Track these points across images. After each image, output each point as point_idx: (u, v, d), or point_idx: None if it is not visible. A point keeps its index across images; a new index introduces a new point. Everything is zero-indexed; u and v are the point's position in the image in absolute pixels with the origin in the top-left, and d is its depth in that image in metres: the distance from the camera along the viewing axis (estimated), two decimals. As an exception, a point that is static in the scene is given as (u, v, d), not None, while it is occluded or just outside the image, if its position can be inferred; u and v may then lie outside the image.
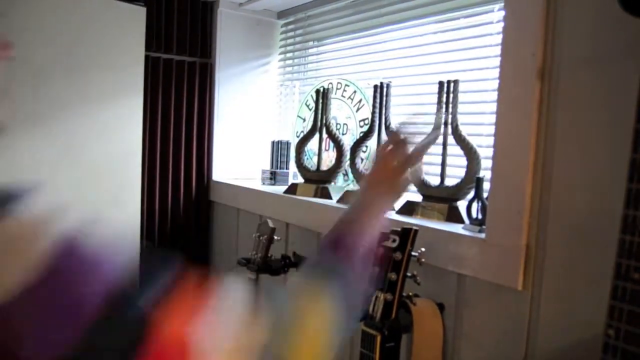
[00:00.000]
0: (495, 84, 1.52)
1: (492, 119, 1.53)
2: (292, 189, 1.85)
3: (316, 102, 1.83)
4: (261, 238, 1.65)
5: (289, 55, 2.36)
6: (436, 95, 1.46)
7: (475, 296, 1.24)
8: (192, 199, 2.26)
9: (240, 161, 2.34)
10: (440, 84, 1.46)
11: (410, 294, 1.19)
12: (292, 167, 2.11)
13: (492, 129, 1.52)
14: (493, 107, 1.53)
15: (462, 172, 1.50)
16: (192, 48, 2.21)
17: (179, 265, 0.53)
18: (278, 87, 2.38)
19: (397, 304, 1.17)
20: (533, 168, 1.11)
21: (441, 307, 1.30)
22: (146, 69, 2.08)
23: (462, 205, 1.42)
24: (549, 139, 1.10)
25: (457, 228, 1.31)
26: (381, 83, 1.61)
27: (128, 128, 2.06)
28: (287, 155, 2.15)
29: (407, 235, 1.19)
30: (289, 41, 2.35)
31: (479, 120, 1.56)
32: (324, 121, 1.81)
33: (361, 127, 1.82)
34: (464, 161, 1.47)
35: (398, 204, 1.56)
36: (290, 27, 2.34)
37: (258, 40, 2.34)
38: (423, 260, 1.19)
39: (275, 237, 1.64)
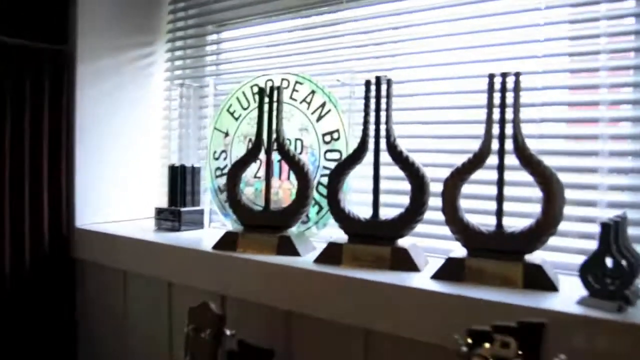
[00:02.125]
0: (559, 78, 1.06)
1: (562, 128, 1.09)
2: (230, 241, 1.20)
3: (259, 108, 1.21)
4: (202, 334, 1.00)
5: (179, 44, 1.70)
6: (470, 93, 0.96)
7: None
8: (45, 256, 1.48)
9: (118, 196, 1.61)
10: (491, 78, 0.95)
11: None
12: (208, 204, 1.45)
13: (564, 145, 1.08)
14: (561, 110, 1.08)
15: (524, 208, 1.02)
16: (40, 28, 1.44)
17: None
18: (176, 88, 1.67)
19: None
20: None
21: None
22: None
23: (538, 261, 0.92)
24: None
25: (571, 305, 0.81)
26: (377, 78, 1.06)
27: None
28: (195, 186, 1.49)
29: (533, 334, 0.68)
30: (180, 24, 1.68)
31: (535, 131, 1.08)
32: (276, 136, 1.20)
33: (327, 142, 1.24)
34: (529, 192, 0.99)
35: (418, 260, 1.03)
36: (180, 5, 1.68)
37: (138, 22, 1.63)
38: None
39: (228, 332, 1.00)
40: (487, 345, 0.70)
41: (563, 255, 1.03)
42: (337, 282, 1.01)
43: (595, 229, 0.99)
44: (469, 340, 0.71)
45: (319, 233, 1.26)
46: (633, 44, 1.00)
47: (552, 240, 0.94)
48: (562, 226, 0.93)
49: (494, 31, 1.12)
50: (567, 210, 0.92)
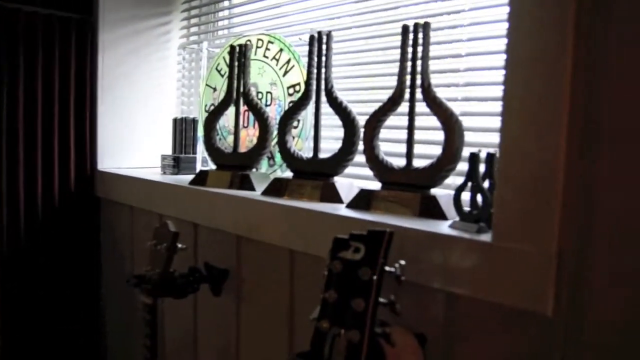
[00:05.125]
0: (474, 30, 1.16)
1: (467, 77, 1.18)
2: (201, 178, 1.40)
3: (230, 64, 1.38)
4: (159, 247, 1.20)
5: (194, 12, 1.89)
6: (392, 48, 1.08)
7: (474, 325, 0.86)
8: (72, 195, 1.75)
9: (134, 145, 1.85)
10: (405, 29, 1.07)
11: (387, 329, 0.79)
12: (201, 150, 1.65)
13: (467, 92, 1.18)
14: (469, 62, 1.17)
15: (434, 150, 1.13)
16: (68, 1, 1.69)
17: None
18: (181, 52, 1.90)
19: (368, 345, 0.77)
20: (568, 138, 0.74)
21: (422, 339, 0.92)
22: (-1, 23, 1.55)
23: (437, 194, 1.04)
24: (594, 91, 0.73)
25: (440, 227, 0.93)
26: (319, 33, 1.20)
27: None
28: (194, 137, 1.70)
29: (377, 241, 0.80)
30: (194, -4, 1.88)
31: (450, 81, 1.19)
32: (242, 88, 1.37)
33: (290, 94, 1.40)
34: (437, 135, 1.11)
35: (347, 195, 1.17)
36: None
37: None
38: (403, 278, 0.80)
39: (179, 245, 1.20)
40: (344, 251, 0.84)
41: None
42: (272, 210, 1.17)
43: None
44: (332, 246, 0.85)
45: (284, 174, 1.43)
46: None
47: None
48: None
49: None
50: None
